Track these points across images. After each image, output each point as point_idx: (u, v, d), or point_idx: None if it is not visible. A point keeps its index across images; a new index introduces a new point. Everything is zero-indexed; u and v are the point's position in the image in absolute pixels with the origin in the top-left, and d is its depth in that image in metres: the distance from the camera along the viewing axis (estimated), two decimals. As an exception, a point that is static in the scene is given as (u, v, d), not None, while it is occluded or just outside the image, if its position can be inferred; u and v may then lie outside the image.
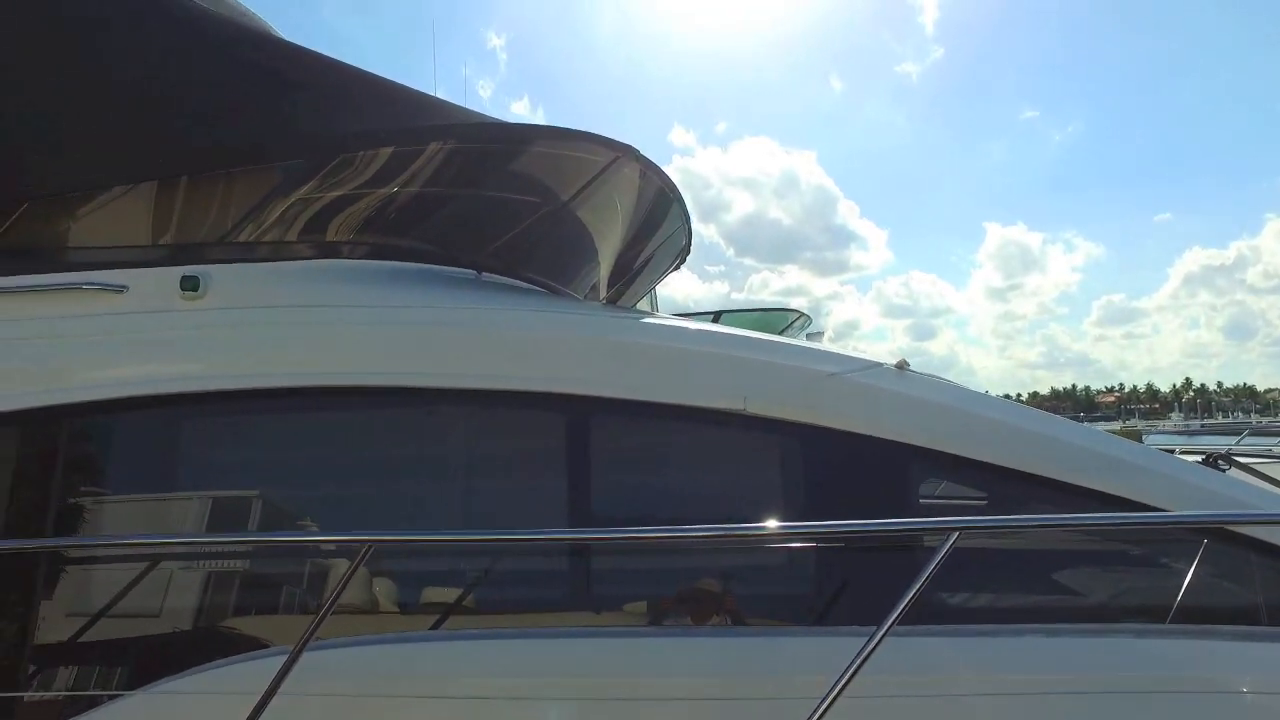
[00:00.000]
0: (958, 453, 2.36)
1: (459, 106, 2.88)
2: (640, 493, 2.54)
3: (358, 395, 2.47)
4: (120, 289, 2.56)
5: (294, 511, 2.57)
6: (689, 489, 2.52)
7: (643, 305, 5.31)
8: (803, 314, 12.57)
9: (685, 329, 2.66)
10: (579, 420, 2.41)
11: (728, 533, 2.23)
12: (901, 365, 2.57)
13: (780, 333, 14.14)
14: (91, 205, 2.78)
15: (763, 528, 2.21)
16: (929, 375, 2.71)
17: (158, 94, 2.78)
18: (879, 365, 2.54)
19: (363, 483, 2.53)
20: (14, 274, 2.66)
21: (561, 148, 2.84)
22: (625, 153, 2.89)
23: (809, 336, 15.09)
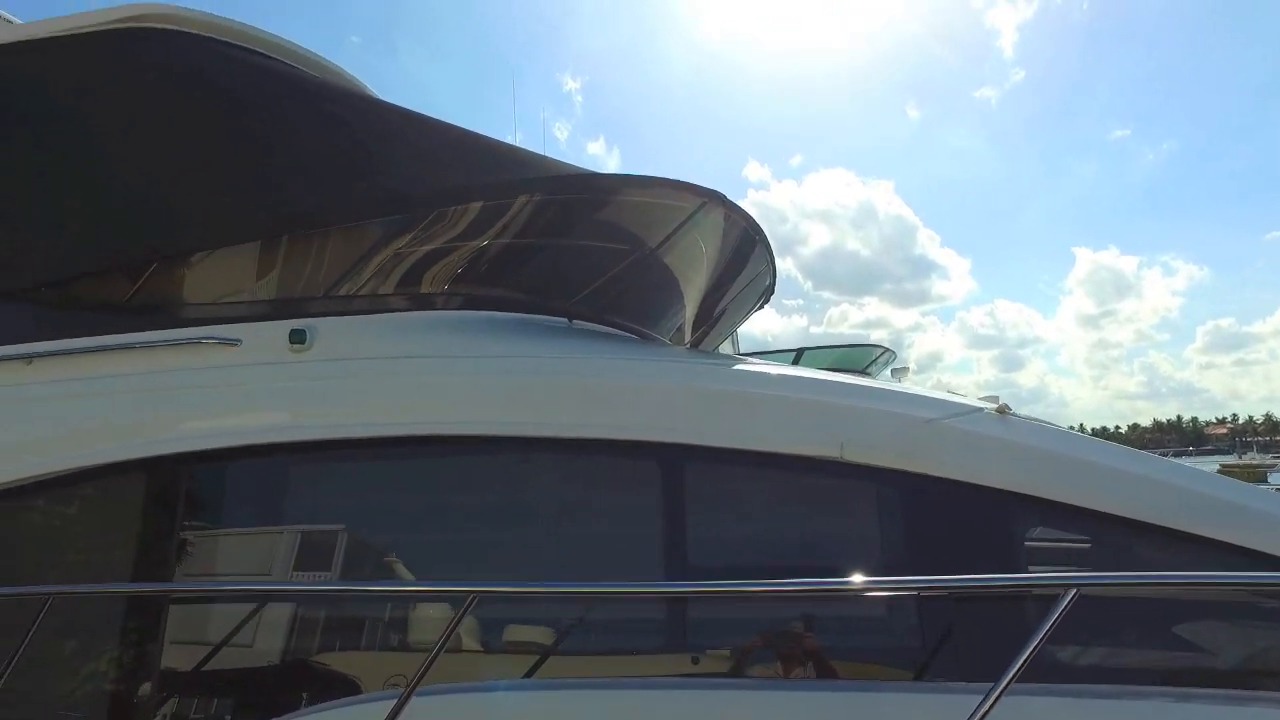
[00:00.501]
0: (1065, 500, 2.25)
1: (548, 158, 2.98)
2: (736, 541, 2.50)
3: (457, 444, 2.53)
4: (234, 343, 2.72)
5: (399, 557, 2.63)
6: (785, 537, 2.47)
7: (724, 345, 5.31)
8: (886, 349, 12.34)
9: (779, 375, 2.64)
10: (674, 468, 2.40)
11: (837, 587, 2.17)
12: (1003, 409, 2.48)
13: (864, 369, 13.90)
14: (209, 263, 2.98)
15: (874, 581, 2.14)
16: (1032, 419, 2.60)
17: (269, 156, 2.98)
18: (979, 410, 2.46)
19: (463, 529, 2.59)
20: (140, 330, 2.87)
21: (649, 195, 2.89)
22: (712, 198, 2.92)
23: (894, 372, 14.76)
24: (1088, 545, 2.38)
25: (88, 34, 3.46)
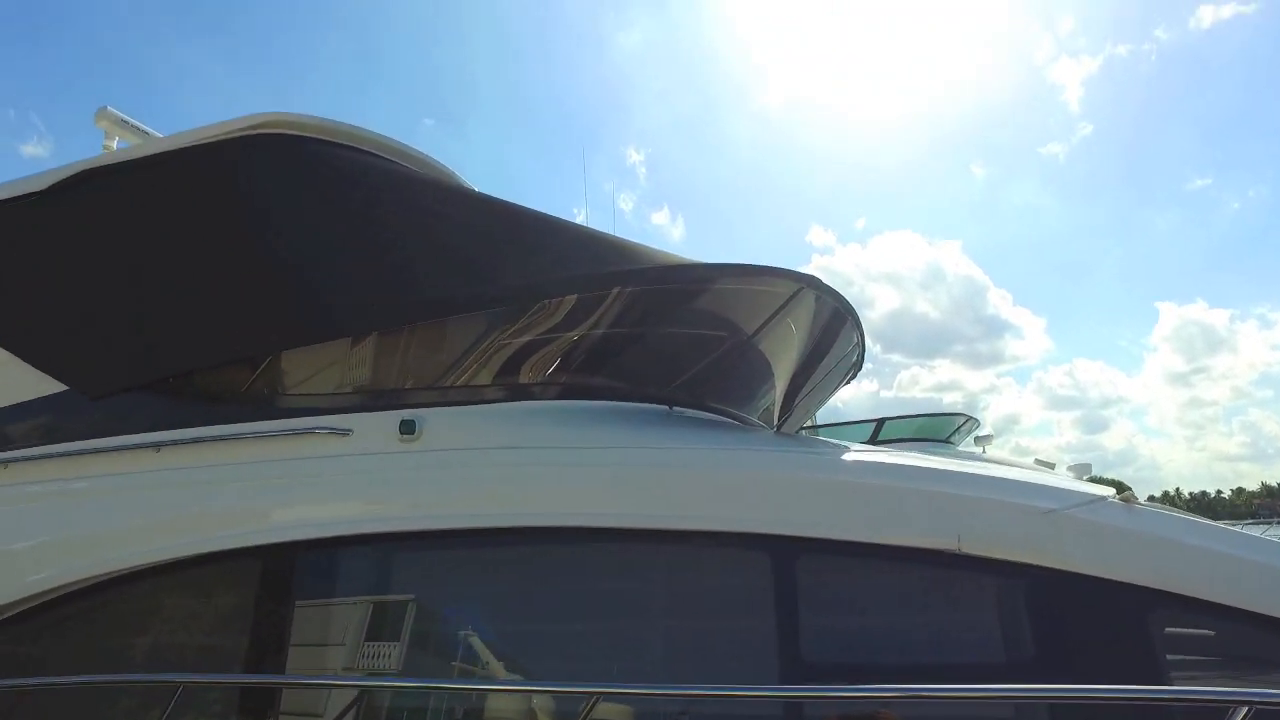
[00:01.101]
0: (1204, 597, 2.12)
1: (646, 247, 3.05)
2: (850, 636, 2.43)
3: (564, 535, 2.55)
4: (346, 432, 2.82)
5: (507, 649, 2.63)
6: (901, 632, 2.38)
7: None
8: (969, 417, 11.95)
9: (890, 464, 2.58)
10: (785, 561, 2.36)
11: (966, 693, 2.03)
12: (1127, 497, 2.37)
13: (946, 438, 13.52)
14: (322, 355, 3.12)
15: (1022, 689, 2.03)
16: (1159, 508, 2.48)
17: (379, 251, 3.13)
18: (1102, 498, 2.35)
19: (571, 622, 2.58)
20: (257, 419, 3.01)
21: (745, 283, 2.92)
22: (806, 283, 2.93)
23: (976, 440, 14.30)
24: (1224, 642, 2.23)
25: (217, 143, 3.76)
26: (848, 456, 2.65)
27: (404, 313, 2.98)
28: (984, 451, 13.44)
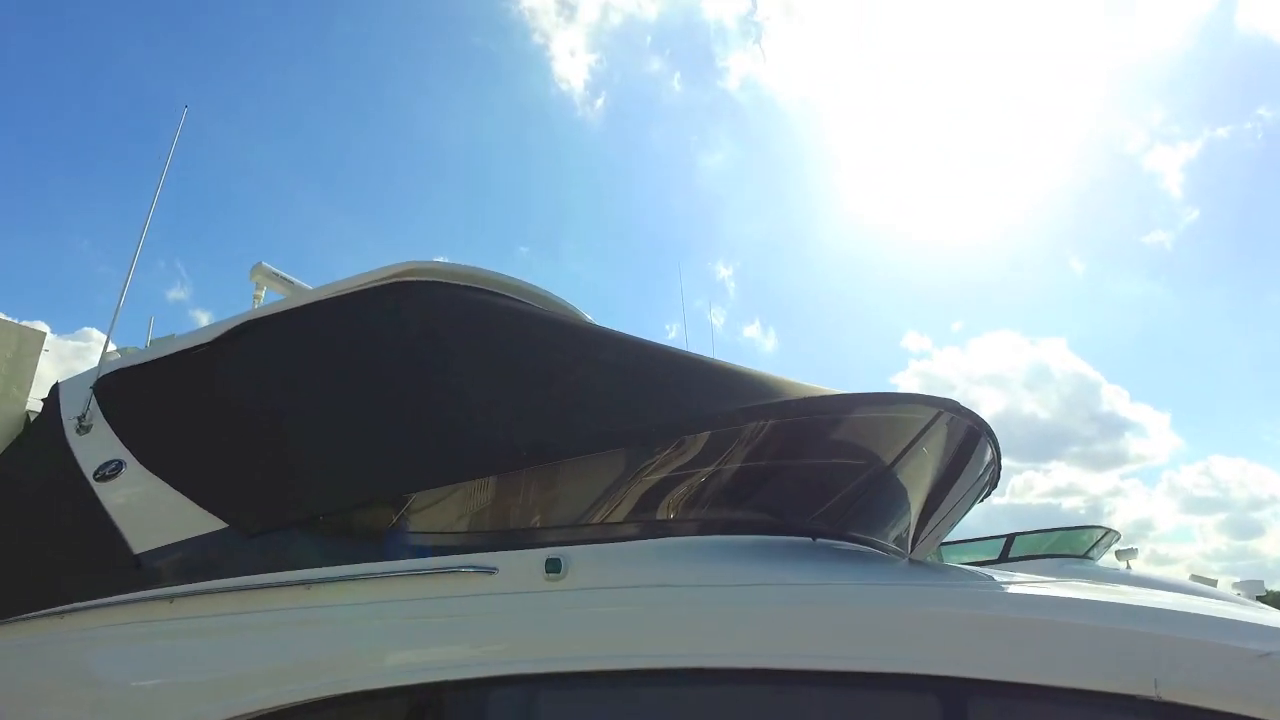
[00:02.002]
0: None
1: (781, 378, 3.07)
2: None
3: (716, 678, 2.46)
4: (490, 571, 2.85)
5: None
6: None
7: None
8: (1109, 530, 11.02)
9: (1071, 598, 2.39)
10: (954, 706, 2.19)
11: None
12: None
13: (1085, 553, 12.47)
14: (466, 492, 3.22)
15: None
16: None
17: (519, 390, 3.26)
18: None
19: None
20: (401, 557, 3.09)
21: (884, 411, 2.89)
22: (945, 407, 2.87)
23: (1119, 554, 13.10)
24: None
25: (362, 291, 4.10)
26: (1017, 590, 2.47)
27: (546, 451, 3.06)
28: (1128, 567, 12.26)
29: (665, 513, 2.97)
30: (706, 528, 2.92)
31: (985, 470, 3.83)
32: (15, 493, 5.02)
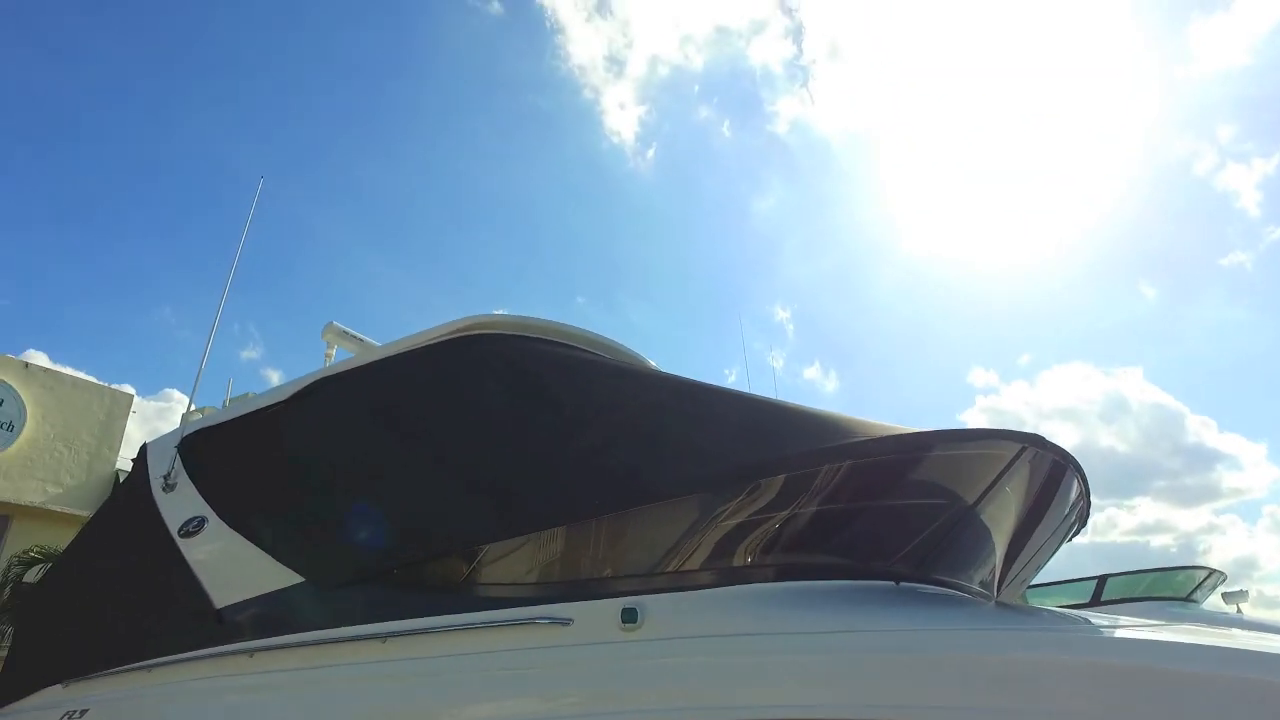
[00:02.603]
0: None
1: (855, 419, 3.00)
2: None
3: None
4: (566, 622, 2.80)
5: None
6: None
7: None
8: (1214, 571, 10.20)
9: (1188, 644, 2.19)
10: None
11: None
12: None
13: (1188, 595, 11.56)
14: (538, 543, 3.20)
15: None
16: None
17: (590, 439, 3.25)
18: None
19: None
20: (475, 610, 3.07)
21: (965, 448, 2.79)
22: (1030, 442, 2.76)
23: (1226, 597, 12.12)
24: None
25: (431, 346, 4.18)
26: (1141, 636, 2.25)
27: (620, 499, 3.03)
28: (1239, 611, 11.35)
29: (742, 559, 2.89)
30: (785, 573, 2.82)
31: (1072, 508, 3.64)
32: (108, 549, 5.23)
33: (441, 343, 4.14)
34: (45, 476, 14.05)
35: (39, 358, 14.83)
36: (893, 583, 2.79)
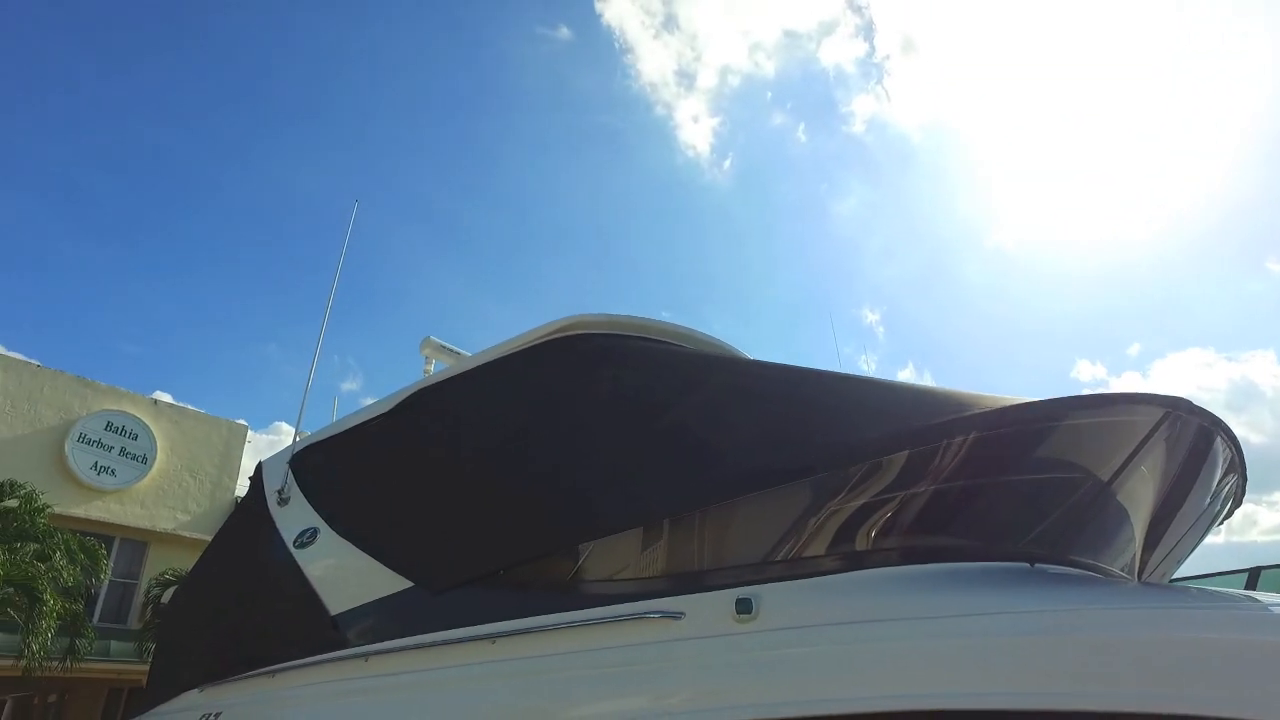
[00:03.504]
0: None
1: (968, 393, 2.80)
2: None
3: None
4: (678, 616, 2.71)
5: None
6: None
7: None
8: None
9: None
10: None
11: None
12: None
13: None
14: (644, 537, 3.12)
15: None
16: None
17: (693, 430, 3.17)
18: None
19: None
20: (583, 607, 3.01)
21: (1103, 415, 2.55)
22: (1175, 406, 2.50)
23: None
24: None
25: (530, 349, 4.20)
26: None
27: (732, 487, 2.92)
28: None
29: (863, 542, 2.73)
30: (910, 557, 2.64)
31: (1222, 482, 3.31)
32: (232, 562, 5.50)
33: (540, 344, 4.16)
34: (175, 505, 15.00)
35: (164, 397, 15.89)
36: (1026, 564, 2.57)
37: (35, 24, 28.34)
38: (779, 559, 2.75)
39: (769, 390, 3.13)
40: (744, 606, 2.54)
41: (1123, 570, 3.03)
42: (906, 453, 2.60)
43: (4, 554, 9.09)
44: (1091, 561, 2.65)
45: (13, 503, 9.80)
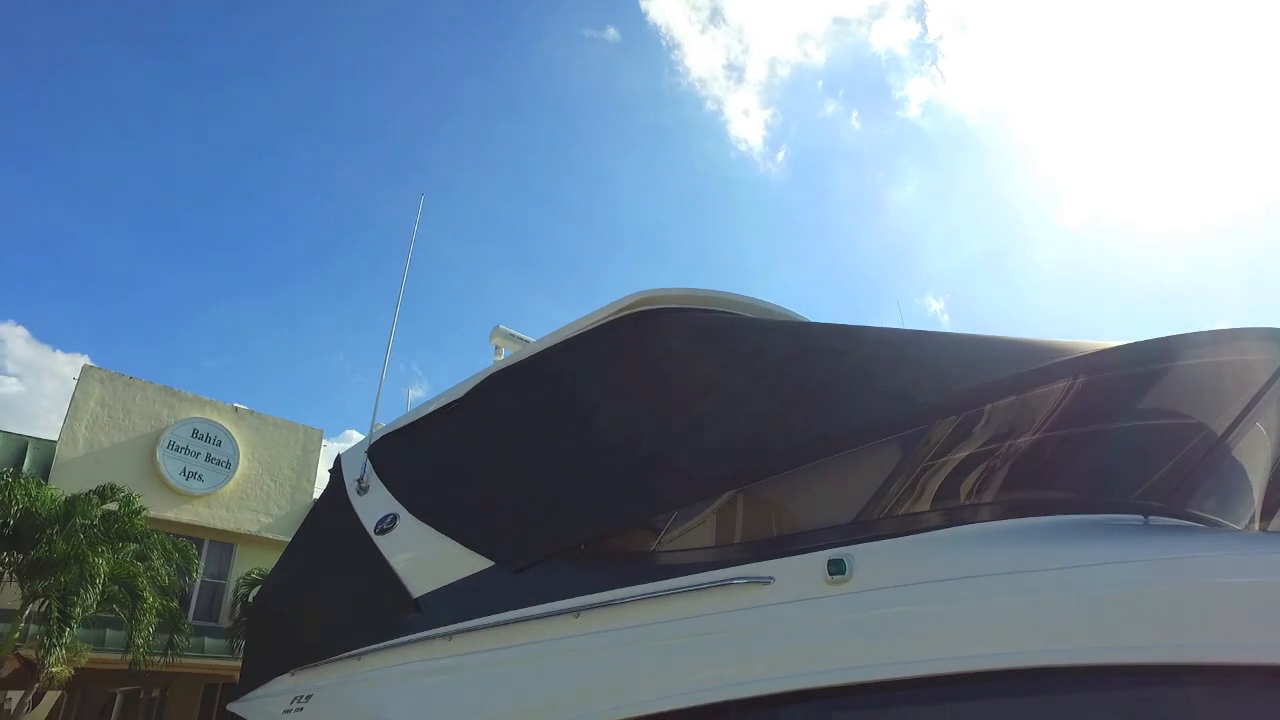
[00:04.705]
0: None
1: (1062, 341, 2.63)
2: None
3: (1046, 677, 2.04)
4: (766, 581, 2.64)
5: None
6: None
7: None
8: None
9: None
10: None
11: None
12: None
13: None
14: (730, 503, 3.06)
15: None
16: None
17: (774, 395, 3.09)
18: None
19: None
20: (666, 577, 2.96)
21: (1221, 354, 2.37)
22: None
23: None
24: None
25: (601, 327, 4.18)
26: None
27: (822, 446, 2.84)
28: None
29: (961, 497, 2.60)
30: (1012, 511, 2.49)
31: None
32: (316, 551, 5.65)
33: (612, 322, 4.13)
34: (257, 507, 15.58)
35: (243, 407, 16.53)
36: (1140, 517, 2.39)
37: (121, 61, 29.89)
38: (873, 518, 2.64)
39: (854, 349, 3.02)
40: (837, 568, 2.45)
41: (1244, 525, 2.82)
42: (1004, 402, 2.46)
43: (109, 553, 9.56)
44: (1212, 517, 2.46)
45: (113, 506, 10.30)
